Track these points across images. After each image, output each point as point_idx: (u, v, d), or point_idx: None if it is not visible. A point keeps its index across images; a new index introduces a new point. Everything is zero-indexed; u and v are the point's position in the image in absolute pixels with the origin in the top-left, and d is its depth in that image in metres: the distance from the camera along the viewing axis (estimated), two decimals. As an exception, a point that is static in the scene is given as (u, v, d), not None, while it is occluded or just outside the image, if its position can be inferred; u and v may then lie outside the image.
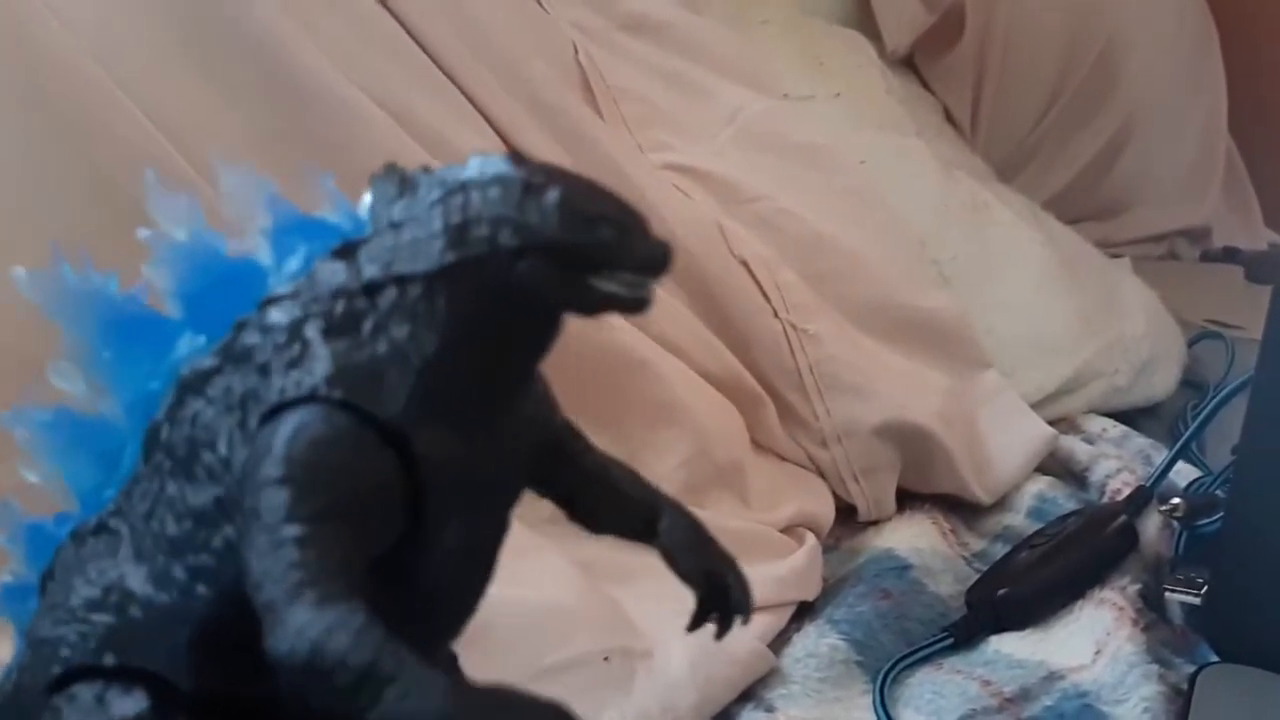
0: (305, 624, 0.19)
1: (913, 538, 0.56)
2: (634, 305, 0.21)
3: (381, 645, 0.19)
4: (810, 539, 0.54)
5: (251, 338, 0.22)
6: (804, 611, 0.51)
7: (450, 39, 0.56)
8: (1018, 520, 0.59)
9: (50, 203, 0.43)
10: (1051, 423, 0.64)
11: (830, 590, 0.52)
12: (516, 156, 0.22)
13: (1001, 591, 0.50)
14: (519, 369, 0.23)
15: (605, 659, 0.43)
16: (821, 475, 0.58)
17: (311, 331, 0.22)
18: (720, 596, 0.26)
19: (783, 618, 0.50)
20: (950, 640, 0.49)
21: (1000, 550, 0.56)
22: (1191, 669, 0.45)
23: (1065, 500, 0.59)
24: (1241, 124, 1.10)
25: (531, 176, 0.21)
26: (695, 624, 0.28)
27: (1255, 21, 1.11)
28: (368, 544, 0.21)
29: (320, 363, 0.21)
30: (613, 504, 0.26)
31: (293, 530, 0.20)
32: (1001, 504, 0.60)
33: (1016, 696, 0.45)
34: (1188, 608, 0.49)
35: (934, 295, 0.63)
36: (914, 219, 0.67)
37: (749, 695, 0.46)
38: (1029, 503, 0.60)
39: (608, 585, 0.46)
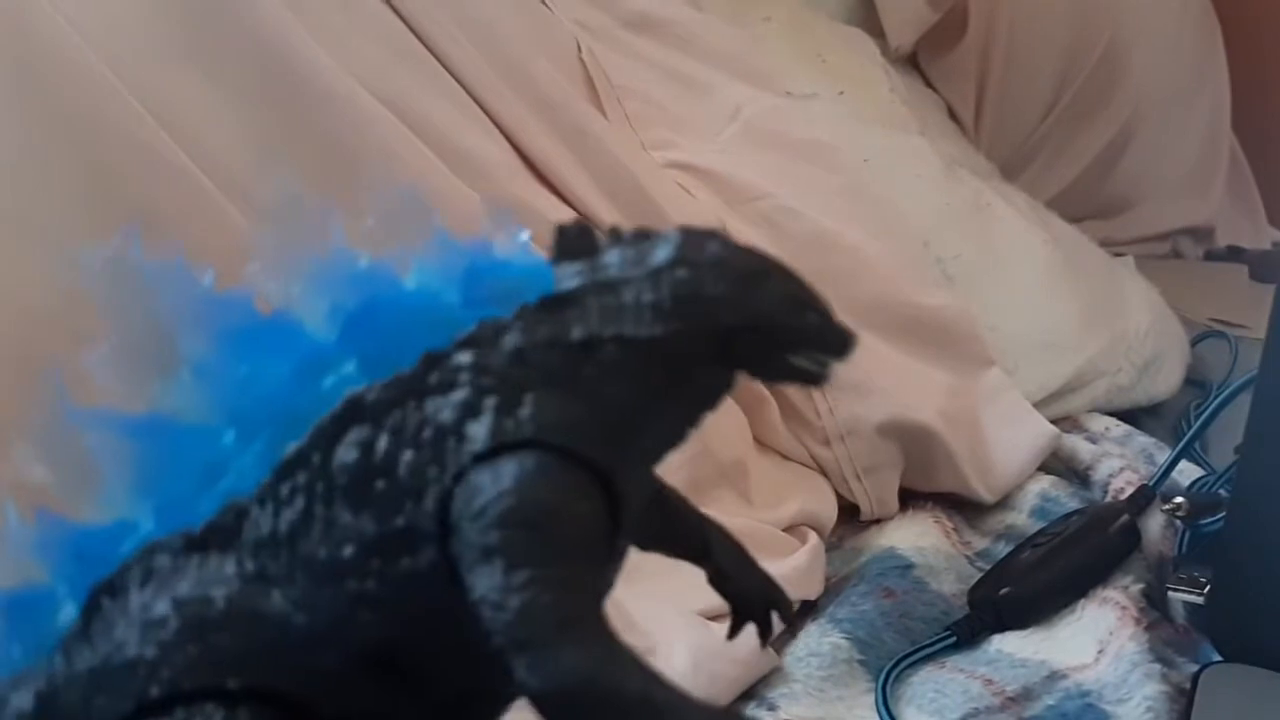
0: (577, 661, 0.19)
1: (915, 536, 0.56)
2: (818, 379, 0.24)
3: (654, 676, 0.20)
4: (813, 537, 0.54)
5: (449, 374, 0.22)
6: (806, 610, 0.51)
7: (454, 36, 0.56)
8: (1020, 519, 0.59)
9: (50, 198, 0.43)
10: (1054, 421, 0.64)
11: (833, 589, 0.52)
12: (725, 238, 0.23)
13: (1004, 590, 0.50)
14: (696, 418, 0.24)
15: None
16: (824, 474, 0.58)
17: (524, 378, 0.22)
18: (762, 610, 0.28)
19: (785, 616, 0.50)
20: (953, 639, 0.49)
21: (1003, 549, 0.56)
22: (1194, 668, 0.45)
23: (1068, 499, 0.59)
24: (1245, 122, 1.10)
25: (750, 262, 0.23)
26: (732, 634, 0.29)
27: (1259, 20, 1.11)
28: (604, 583, 0.22)
29: (536, 410, 0.22)
30: (667, 525, 0.28)
31: (544, 571, 0.20)
32: (1004, 503, 0.60)
33: (1019, 695, 0.45)
34: (1190, 607, 0.49)
35: (937, 293, 0.63)
36: (917, 217, 0.66)
37: (751, 694, 0.46)
38: (1032, 501, 0.60)
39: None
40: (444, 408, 0.22)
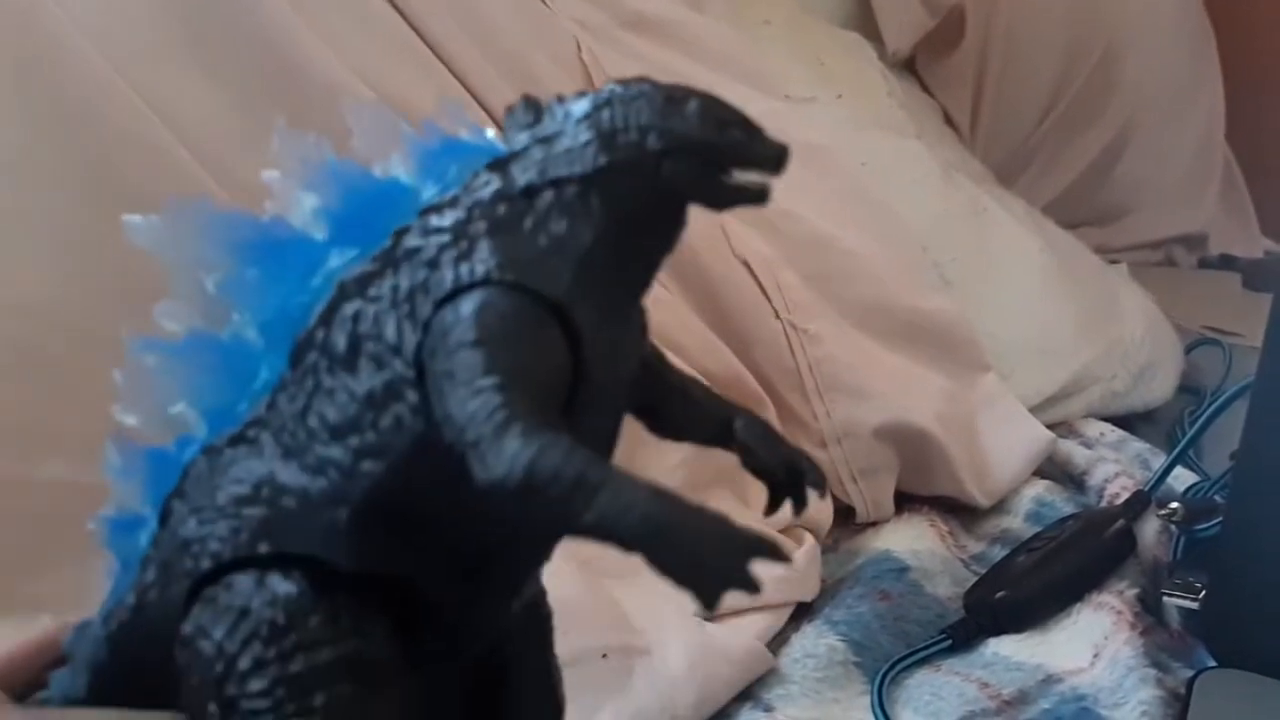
0: (518, 449, 0.21)
1: (911, 540, 0.56)
2: (758, 196, 0.24)
3: (590, 458, 0.21)
4: (809, 540, 0.54)
5: (414, 241, 0.24)
6: (802, 612, 0.51)
7: (454, 34, 0.55)
8: (1016, 523, 0.59)
9: (50, 191, 0.43)
10: (1050, 426, 0.64)
11: (829, 591, 0.52)
12: (652, 79, 0.25)
13: (1000, 594, 0.50)
14: (653, 261, 0.26)
15: (603, 656, 0.43)
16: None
17: (476, 230, 0.24)
18: (794, 483, 0.28)
19: (781, 618, 0.50)
20: (949, 642, 0.49)
21: (998, 553, 0.56)
22: (1189, 673, 0.45)
23: (1063, 504, 0.59)
24: (1239, 133, 1.11)
25: (670, 91, 0.24)
26: (771, 509, 0.29)
27: (1253, 30, 1.12)
28: (552, 407, 0.23)
29: (489, 253, 0.24)
30: (693, 413, 0.28)
31: (491, 379, 0.22)
32: (1000, 507, 0.60)
33: (1014, 699, 0.45)
34: (1185, 612, 0.49)
35: (934, 297, 0.63)
36: (914, 221, 0.67)
37: (747, 695, 0.46)
38: (1027, 506, 0.60)
39: (607, 583, 0.46)
40: (413, 269, 0.24)
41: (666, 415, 0.28)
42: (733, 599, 0.20)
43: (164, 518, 0.26)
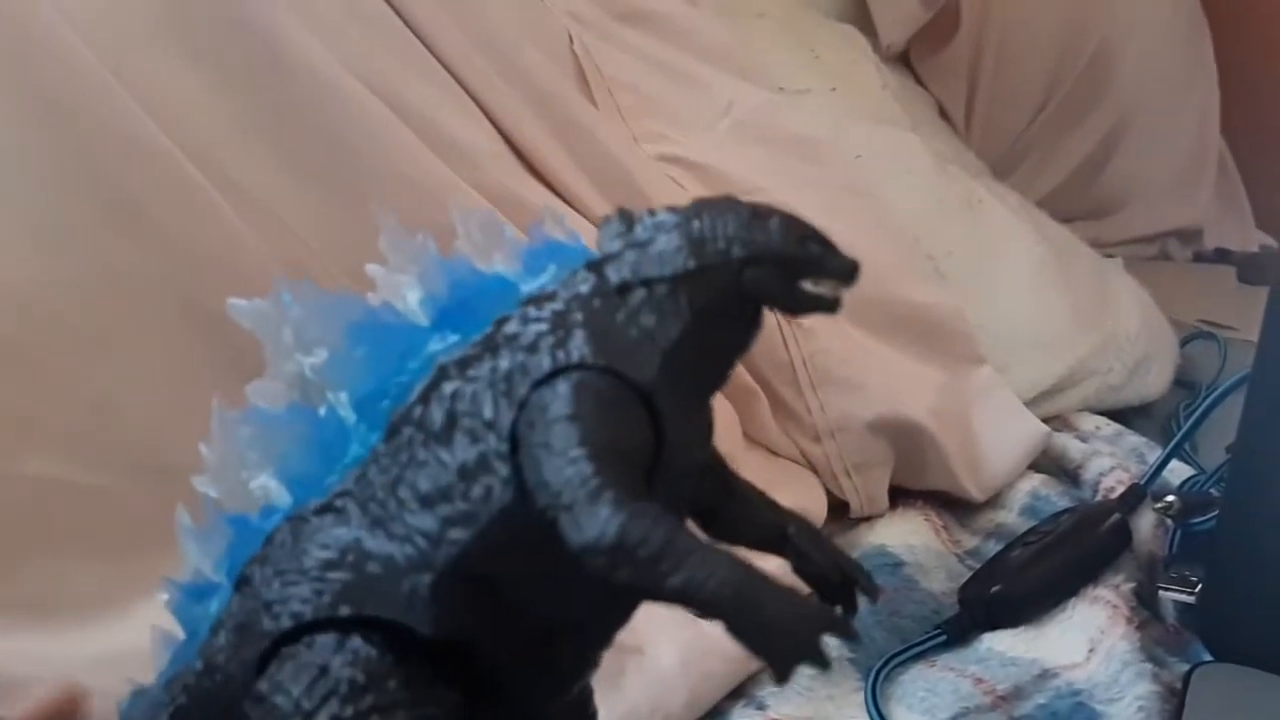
0: (610, 513, 0.22)
1: (905, 534, 0.56)
2: (831, 306, 0.26)
3: (677, 526, 0.22)
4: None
5: (514, 328, 0.26)
6: (796, 608, 0.50)
7: (446, 26, 0.55)
8: (1011, 518, 0.59)
9: (32, 183, 0.42)
10: (1045, 420, 0.64)
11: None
12: (737, 197, 0.27)
13: (995, 589, 0.50)
14: (730, 359, 0.27)
15: (596, 654, 0.43)
16: (814, 470, 0.58)
17: (573, 320, 0.26)
18: (846, 589, 0.29)
19: (775, 613, 0.49)
20: (943, 637, 0.48)
21: (993, 548, 0.56)
22: (1185, 668, 0.45)
23: (1058, 498, 0.59)
24: (1234, 126, 1.11)
25: (756, 208, 0.27)
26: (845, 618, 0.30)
27: (1248, 23, 1.12)
28: (640, 479, 0.25)
29: (583, 341, 0.25)
30: (750, 519, 0.30)
31: (585, 450, 0.23)
32: (994, 501, 0.60)
33: (1010, 694, 0.45)
34: (1181, 606, 0.49)
35: (929, 290, 0.63)
36: (909, 214, 0.66)
37: (740, 693, 0.45)
38: (1022, 500, 0.59)
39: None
40: (512, 353, 0.26)
41: (724, 517, 0.30)
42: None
43: (240, 584, 0.27)
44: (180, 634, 0.28)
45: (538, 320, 0.26)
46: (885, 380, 0.58)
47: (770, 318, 0.62)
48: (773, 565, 0.27)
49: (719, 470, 0.30)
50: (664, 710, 0.43)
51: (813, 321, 0.58)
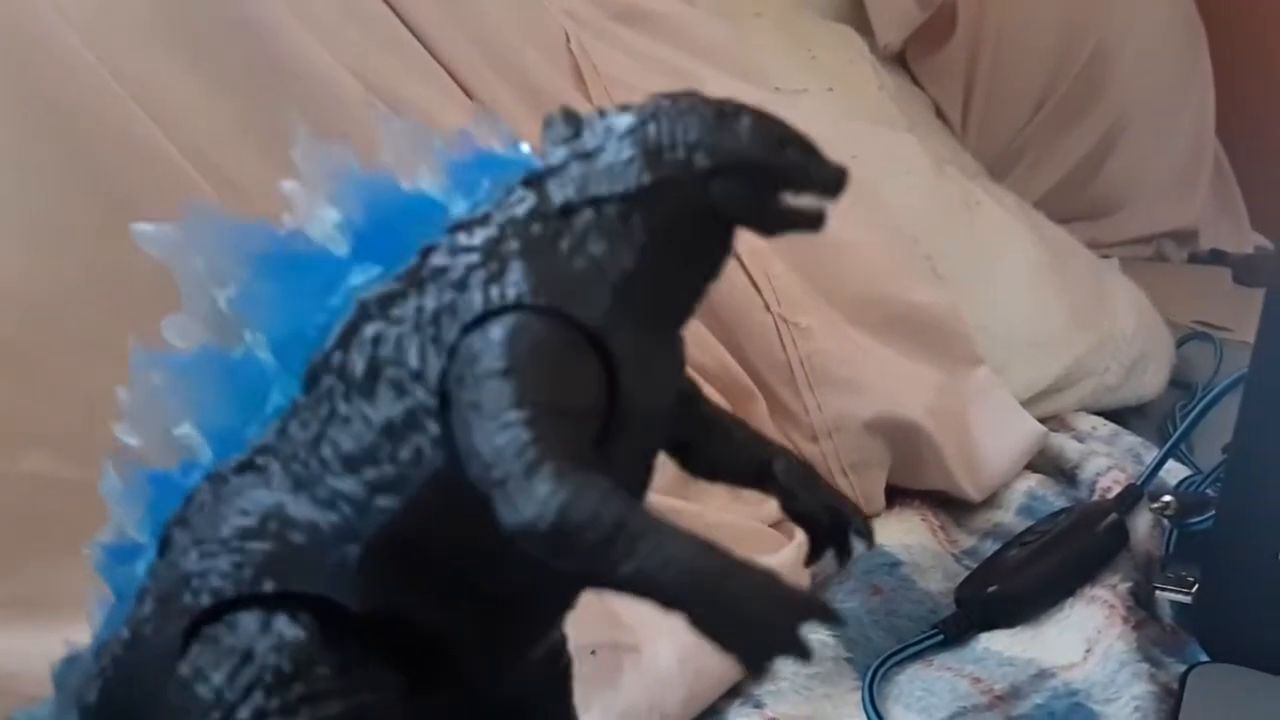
0: (549, 491, 0.19)
1: (902, 534, 0.56)
2: (813, 222, 0.23)
3: (629, 503, 0.19)
4: (799, 534, 0.53)
5: (441, 260, 0.23)
6: (793, 607, 0.50)
7: (442, 24, 0.55)
8: (1007, 517, 0.59)
9: (34, 188, 0.42)
10: (1042, 420, 0.64)
11: (819, 586, 0.52)
12: (701, 93, 0.23)
13: (992, 589, 0.50)
14: (698, 286, 0.24)
15: (592, 653, 0.43)
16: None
17: (508, 250, 0.22)
18: (838, 529, 0.27)
19: (772, 613, 0.49)
20: (940, 637, 0.48)
21: (990, 548, 0.56)
22: (1182, 668, 0.45)
23: (1055, 498, 0.59)
24: (1229, 127, 1.11)
25: (722, 105, 0.23)
26: (812, 558, 0.28)
27: (1244, 25, 1.12)
28: (586, 441, 0.22)
29: (522, 276, 0.22)
30: (730, 453, 0.27)
31: (521, 413, 0.20)
32: (991, 501, 0.60)
33: (1007, 694, 0.45)
34: (1178, 606, 0.49)
35: (926, 290, 0.63)
36: (906, 214, 0.66)
37: (737, 691, 0.45)
38: (1019, 500, 0.59)
39: (595, 578, 0.45)
40: (440, 289, 0.23)
41: (702, 453, 0.27)
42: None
43: (163, 546, 0.25)
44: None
45: (468, 250, 0.23)
46: (882, 380, 0.58)
47: (768, 319, 0.62)
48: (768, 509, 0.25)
49: (695, 403, 0.27)
50: (661, 708, 0.42)
51: (810, 321, 0.58)
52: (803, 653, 0.19)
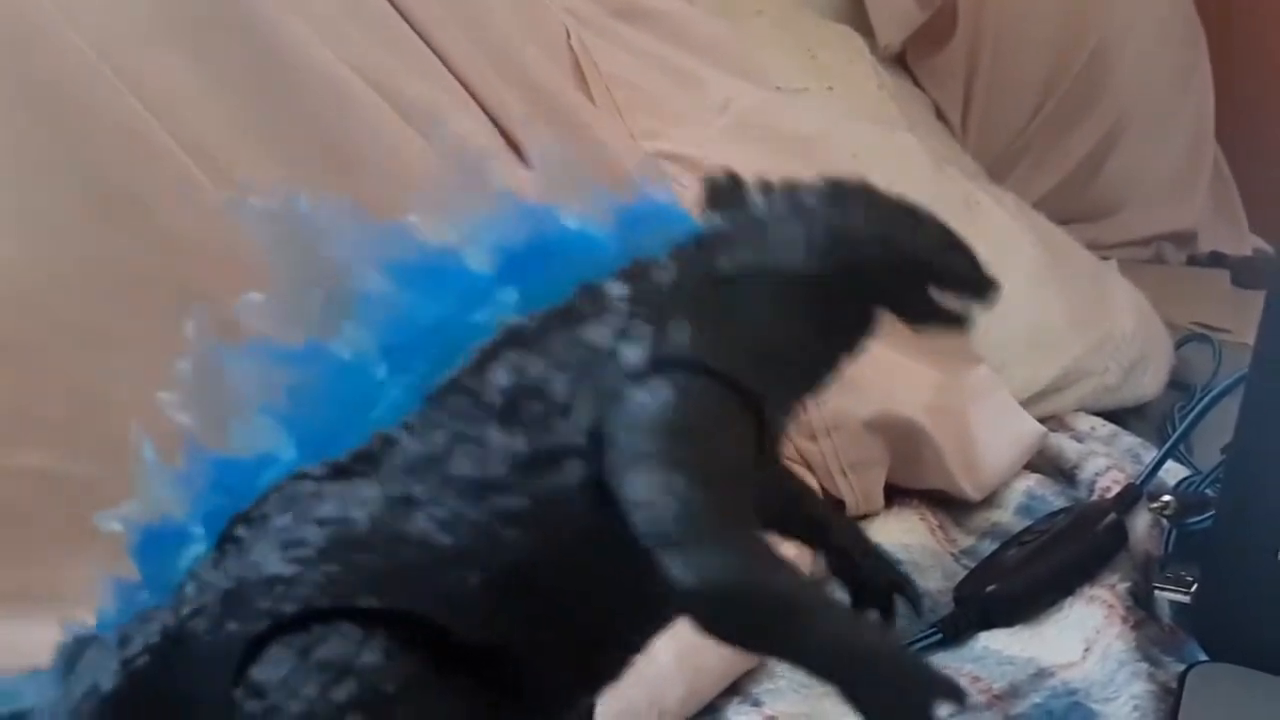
0: (728, 557, 0.19)
1: (901, 533, 0.55)
2: (960, 322, 0.24)
3: (805, 578, 0.20)
4: (797, 534, 0.53)
5: (603, 302, 0.23)
6: (791, 606, 0.50)
7: (443, 21, 0.55)
8: (1006, 517, 0.59)
9: (32, 181, 0.42)
10: (1041, 420, 0.64)
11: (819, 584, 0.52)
12: (872, 185, 0.24)
13: (990, 588, 0.50)
14: (838, 361, 0.25)
15: (591, 651, 0.43)
16: (809, 468, 0.58)
17: (675, 306, 0.23)
18: (884, 595, 0.28)
19: (770, 611, 0.49)
20: (939, 636, 0.48)
21: (988, 547, 0.55)
22: (1181, 667, 0.45)
23: (1054, 497, 0.59)
24: (1229, 130, 1.11)
25: (901, 201, 0.24)
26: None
27: (1243, 29, 1.12)
28: (749, 504, 0.22)
29: (686, 335, 0.22)
30: (785, 506, 0.28)
31: (694, 473, 0.20)
32: (990, 501, 0.60)
33: (1005, 693, 0.45)
34: (1177, 606, 0.49)
35: (925, 290, 0.63)
36: (906, 214, 0.66)
37: (736, 690, 0.45)
38: (1018, 500, 0.59)
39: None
40: (597, 332, 0.22)
41: (766, 508, 0.27)
42: None
43: (224, 541, 0.23)
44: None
45: (633, 299, 0.22)
46: (881, 379, 0.58)
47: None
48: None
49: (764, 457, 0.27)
50: (660, 706, 0.42)
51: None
52: None
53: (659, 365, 0.22)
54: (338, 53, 0.50)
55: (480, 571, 0.22)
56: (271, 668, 0.21)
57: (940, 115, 0.92)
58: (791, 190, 0.24)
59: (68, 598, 0.39)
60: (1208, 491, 0.56)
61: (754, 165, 0.63)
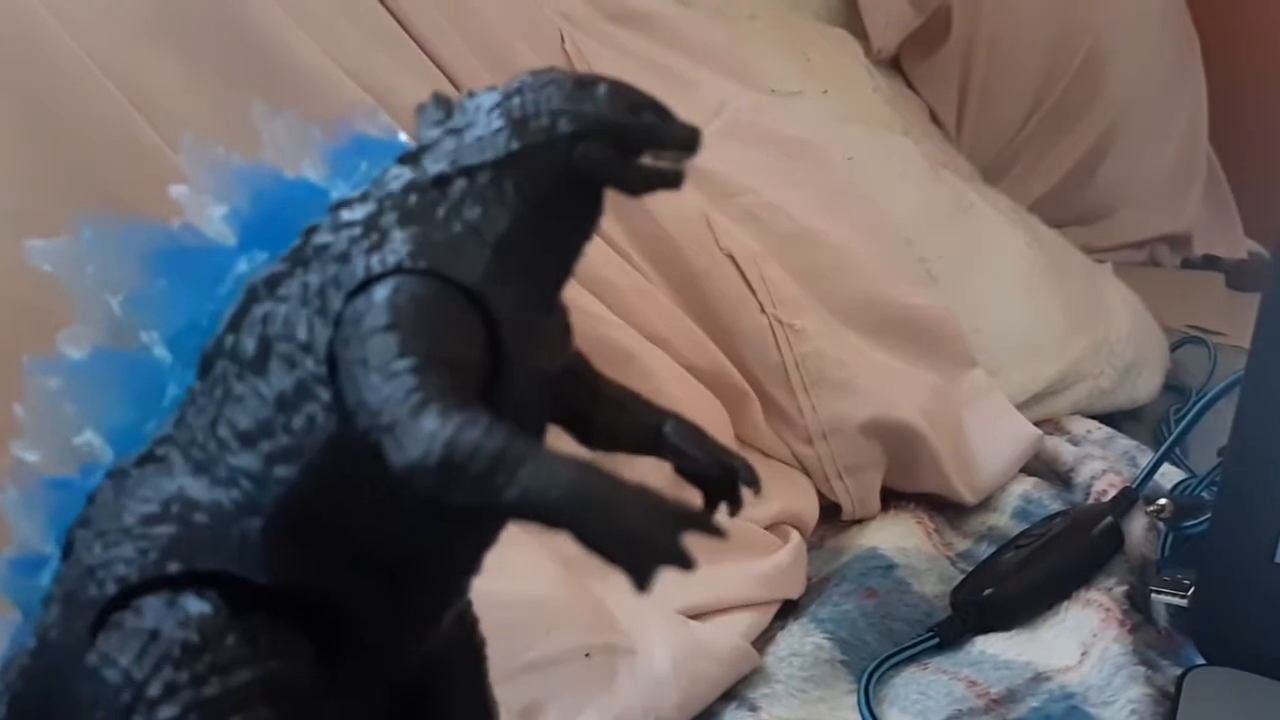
0: (435, 428, 0.20)
1: (897, 537, 0.55)
2: (673, 179, 0.24)
3: (511, 433, 0.20)
4: (795, 537, 0.53)
5: (324, 237, 0.24)
6: (788, 610, 0.50)
7: (437, 23, 0.55)
8: (1002, 520, 0.59)
9: (26, 186, 0.42)
10: (1036, 423, 0.64)
11: (814, 589, 0.52)
12: (561, 68, 0.25)
13: (987, 592, 0.50)
14: (572, 248, 0.25)
15: (587, 655, 0.43)
16: (806, 472, 0.58)
17: (387, 221, 0.24)
18: (729, 483, 0.28)
19: (767, 616, 0.49)
20: (936, 640, 0.48)
21: (985, 551, 0.55)
22: (1178, 671, 0.45)
23: (1050, 501, 0.59)
24: (1223, 134, 1.11)
25: (580, 76, 0.24)
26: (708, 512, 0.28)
27: (1237, 33, 1.12)
28: (470, 390, 0.22)
29: (401, 243, 0.23)
30: (624, 421, 0.28)
31: (406, 362, 0.21)
32: (986, 504, 0.60)
33: (1003, 697, 0.45)
34: (1174, 609, 0.49)
35: (920, 292, 0.63)
36: (901, 217, 0.66)
37: (732, 694, 0.45)
38: (1014, 503, 0.59)
39: (590, 581, 0.45)
40: (324, 265, 0.24)
41: (597, 424, 0.28)
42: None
43: (66, 550, 0.25)
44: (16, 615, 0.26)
45: (349, 225, 0.24)
46: (877, 382, 0.58)
47: (763, 320, 0.62)
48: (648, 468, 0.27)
49: (584, 374, 0.28)
50: (656, 711, 0.42)
51: (805, 323, 0.58)
52: (685, 562, 0.20)
53: (372, 278, 0.23)
54: (331, 54, 0.50)
55: (260, 516, 0.23)
56: (98, 650, 0.23)
57: (935, 118, 0.92)
58: (487, 91, 0.25)
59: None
60: (1204, 494, 0.56)
61: (748, 167, 0.63)
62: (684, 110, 0.70)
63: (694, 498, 0.27)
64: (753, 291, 0.57)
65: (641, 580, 0.20)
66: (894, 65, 0.91)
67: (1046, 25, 0.98)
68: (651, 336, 0.54)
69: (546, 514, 0.20)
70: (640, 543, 0.19)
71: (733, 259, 0.57)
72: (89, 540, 0.24)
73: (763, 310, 0.57)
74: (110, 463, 0.25)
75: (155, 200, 0.43)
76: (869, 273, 0.62)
